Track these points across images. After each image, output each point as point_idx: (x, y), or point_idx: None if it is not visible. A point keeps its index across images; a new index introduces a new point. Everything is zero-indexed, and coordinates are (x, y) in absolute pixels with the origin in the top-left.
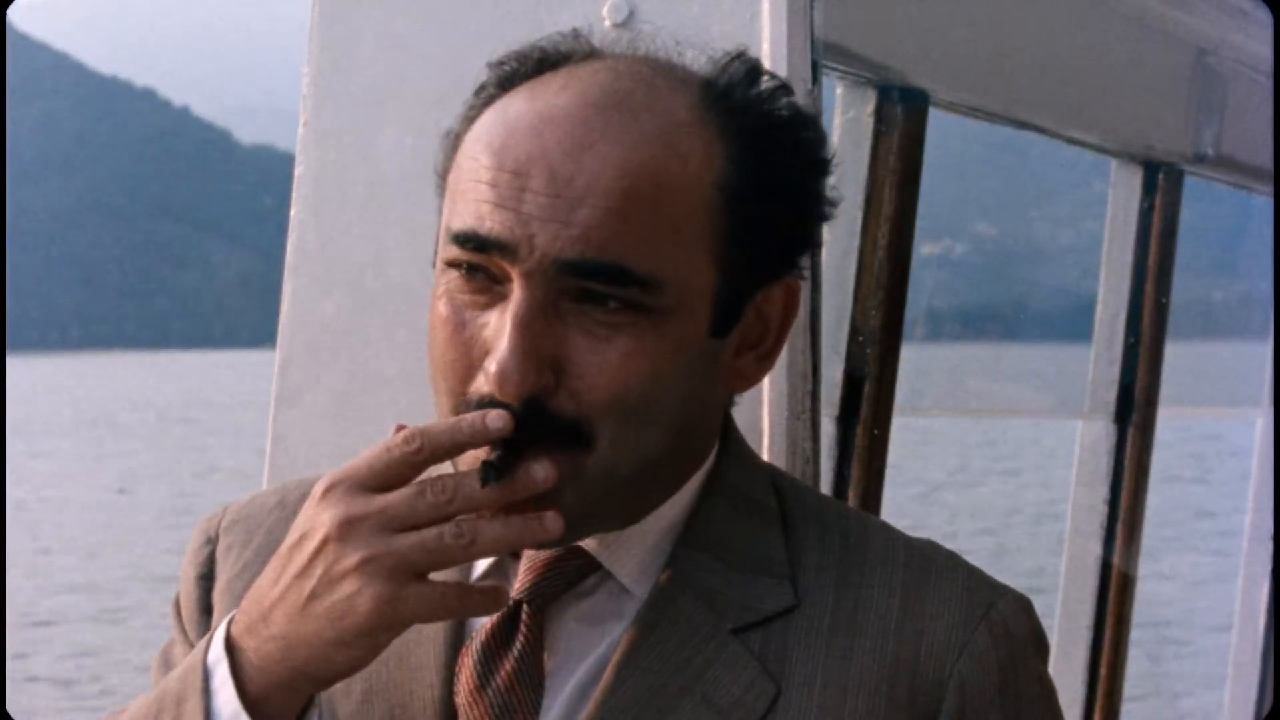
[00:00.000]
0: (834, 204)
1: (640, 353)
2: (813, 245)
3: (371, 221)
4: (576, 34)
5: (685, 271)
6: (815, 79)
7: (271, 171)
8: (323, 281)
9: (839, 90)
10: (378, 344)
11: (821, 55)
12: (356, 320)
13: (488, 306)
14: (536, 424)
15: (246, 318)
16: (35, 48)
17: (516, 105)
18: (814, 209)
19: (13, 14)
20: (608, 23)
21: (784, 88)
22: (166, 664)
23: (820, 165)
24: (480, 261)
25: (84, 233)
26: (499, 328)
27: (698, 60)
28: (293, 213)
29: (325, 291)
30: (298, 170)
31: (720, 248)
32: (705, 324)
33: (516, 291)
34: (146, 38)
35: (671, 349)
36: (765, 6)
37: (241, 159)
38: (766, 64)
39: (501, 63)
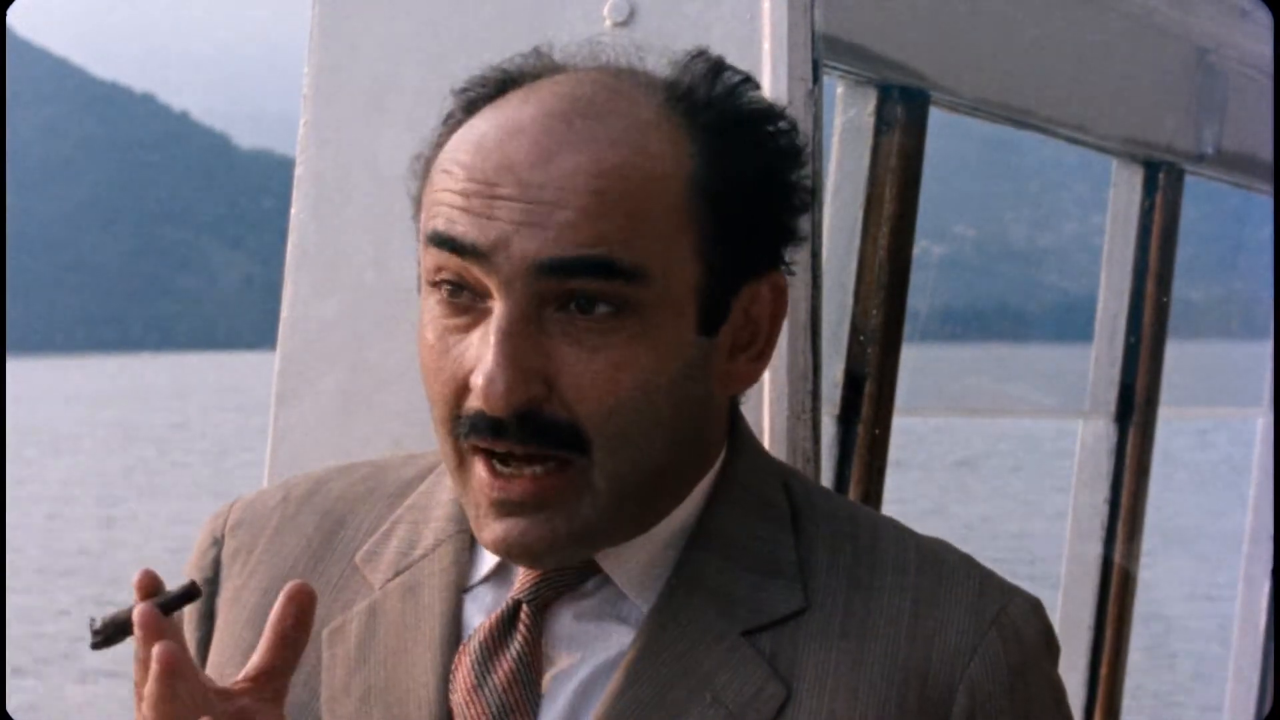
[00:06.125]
0: (809, 193)
1: (630, 361)
2: (794, 238)
3: (372, 221)
4: (537, 52)
5: (669, 264)
6: (815, 78)
7: (271, 175)
8: (323, 282)
9: (839, 90)
10: (378, 344)
11: (822, 55)
12: (357, 320)
13: (470, 328)
14: (533, 432)
15: (249, 320)
16: (36, 54)
17: (482, 124)
18: (788, 201)
19: (14, 20)
20: (608, 22)
21: (747, 82)
22: None
23: (790, 156)
24: (459, 271)
25: (87, 237)
26: (483, 343)
27: (659, 65)
28: (293, 213)
29: (325, 292)
30: (298, 170)
31: (701, 242)
32: (693, 322)
33: (498, 303)
34: (145, 43)
35: (662, 354)
36: (765, 6)
37: (241, 163)
38: (766, 63)
39: (465, 89)
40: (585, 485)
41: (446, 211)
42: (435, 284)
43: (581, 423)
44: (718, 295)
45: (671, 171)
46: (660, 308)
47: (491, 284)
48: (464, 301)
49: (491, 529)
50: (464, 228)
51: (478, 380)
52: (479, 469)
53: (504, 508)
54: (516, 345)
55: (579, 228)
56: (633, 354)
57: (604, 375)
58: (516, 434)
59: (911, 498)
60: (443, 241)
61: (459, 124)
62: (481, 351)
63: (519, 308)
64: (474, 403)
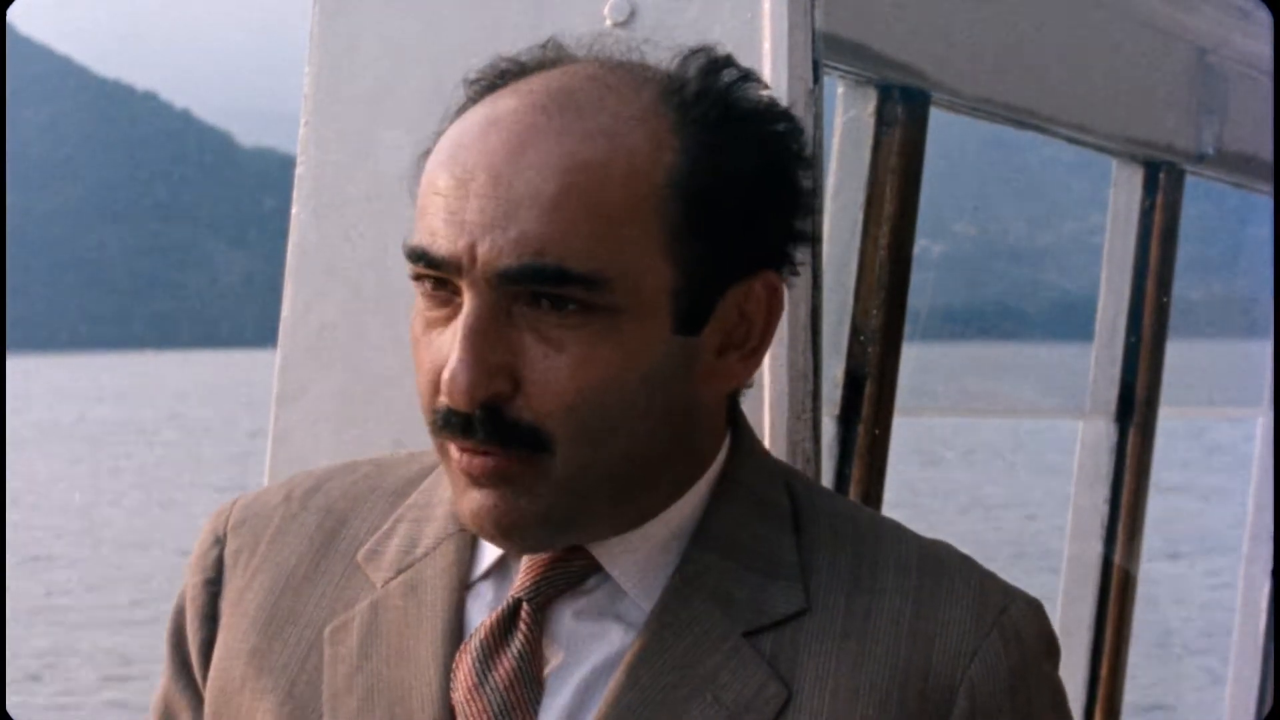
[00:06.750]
0: (811, 196)
1: (594, 358)
2: (793, 239)
3: (372, 221)
4: (547, 44)
5: (634, 268)
6: (816, 78)
7: (272, 174)
8: (323, 281)
9: (840, 90)
10: (378, 344)
11: (822, 55)
12: (357, 320)
13: (449, 320)
14: (495, 430)
15: (251, 318)
16: (38, 52)
17: (471, 116)
18: (785, 202)
19: (14, 18)
20: (608, 22)
21: (749, 79)
22: (168, 715)
23: (791, 157)
24: (437, 275)
25: (90, 234)
26: (453, 340)
27: (665, 60)
28: (293, 212)
29: (326, 291)
30: (298, 170)
31: (674, 243)
32: (667, 321)
33: (465, 301)
34: (147, 41)
35: (631, 352)
36: (765, 6)
37: (243, 161)
38: (767, 63)
39: (475, 79)
40: (546, 474)
41: (429, 222)
42: (418, 278)
43: (543, 422)
44: (697, 295)
45: (648, 167)
46: (628, 308)
47: (462, 284)
48: (443, 295)
49: (465, 500)
50: (440, 240)
51: (444, 375)
52: (452, 449)
53: (475, 481)
54: (481, 342)
55: (538, 231)
56: (598, 351)
57: (566, 372)
58: (482, 431)
59: None
60: (419, 257)
61: (461, 112)
62: (452, 347)
63: (485, 306)
64: (442, 398)
